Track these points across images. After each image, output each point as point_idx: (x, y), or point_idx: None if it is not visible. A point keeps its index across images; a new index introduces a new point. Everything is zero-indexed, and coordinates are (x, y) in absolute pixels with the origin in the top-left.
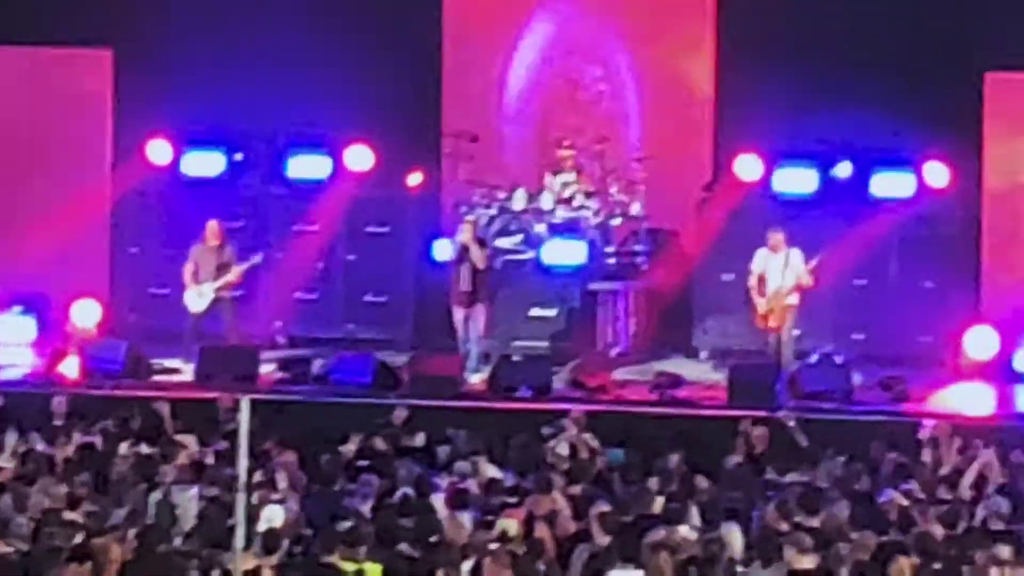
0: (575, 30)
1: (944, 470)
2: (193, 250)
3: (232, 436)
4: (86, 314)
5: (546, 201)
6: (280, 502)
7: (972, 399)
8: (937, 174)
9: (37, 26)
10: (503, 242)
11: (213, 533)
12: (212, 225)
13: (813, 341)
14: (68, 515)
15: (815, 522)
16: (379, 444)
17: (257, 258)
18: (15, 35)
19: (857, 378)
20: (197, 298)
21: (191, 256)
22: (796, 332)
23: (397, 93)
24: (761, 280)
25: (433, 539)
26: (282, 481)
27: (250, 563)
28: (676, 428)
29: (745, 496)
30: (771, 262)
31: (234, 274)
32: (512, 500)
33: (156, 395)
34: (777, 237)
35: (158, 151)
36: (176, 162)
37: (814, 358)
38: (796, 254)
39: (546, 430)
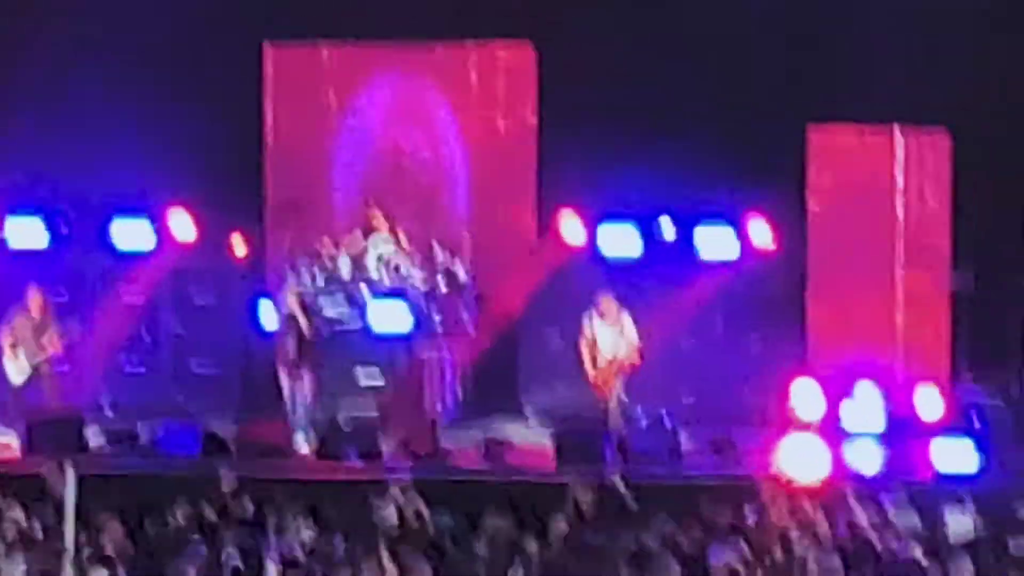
0: (399, 96)
1: (776, 529)
2: (13, 320)
3: (59, 507)
4: None
5: (371, 267)
6: (109, 573)
7: (803, 457)
8: (761, 231)
9: None
10: (329, 309)
11: None
12: (34, 295)
13: (642, 403)
14: None
15: None
16: (207, 513)
17: (76, 329)
18: None
19: (686, 439)
20: (16, 370)
21: (11, 327)
22: (624, 394)
23: (221, 161)
24: (593, 345)
25: None
26: (110, 551)
27: None
28: (504, 491)
29: (574, 559)
30: (603, 329)
31: (55, 346)
32: (342, 567)
33: None
34: (609, 303)
35: None
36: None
37: (643, 420)
38: (628, 320)
39: (375, 496)
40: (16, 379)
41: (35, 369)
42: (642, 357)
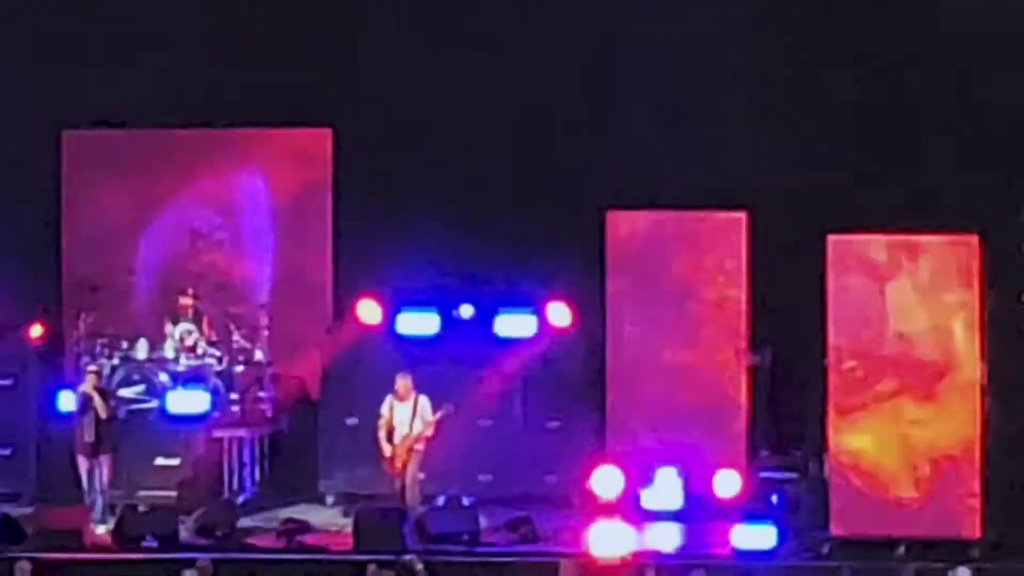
0: (198, 179)
1: None
2: None
3: None
4: None
5: (169, 350)
6: None
7: (606, 537)
8: (560, 313)
9: None
10: (126, 391)
11: None
12: None
13: (440, 483)
14: None
15: None
16: None
17: None
18: None
19: (484, 520)
20: None
21: None
22: (422, 475)
23: (16, 243)
24: (389, 427)
25: None
26: None
27: None
28: (303, 573)
29: None
30: (399, 409)
31: None
32: None
33: None
34: (405, 383)
35: None
36: None
37: (441, 500)
38: (424, 401)
39: None
40: None
41: None
42: (436, 435)
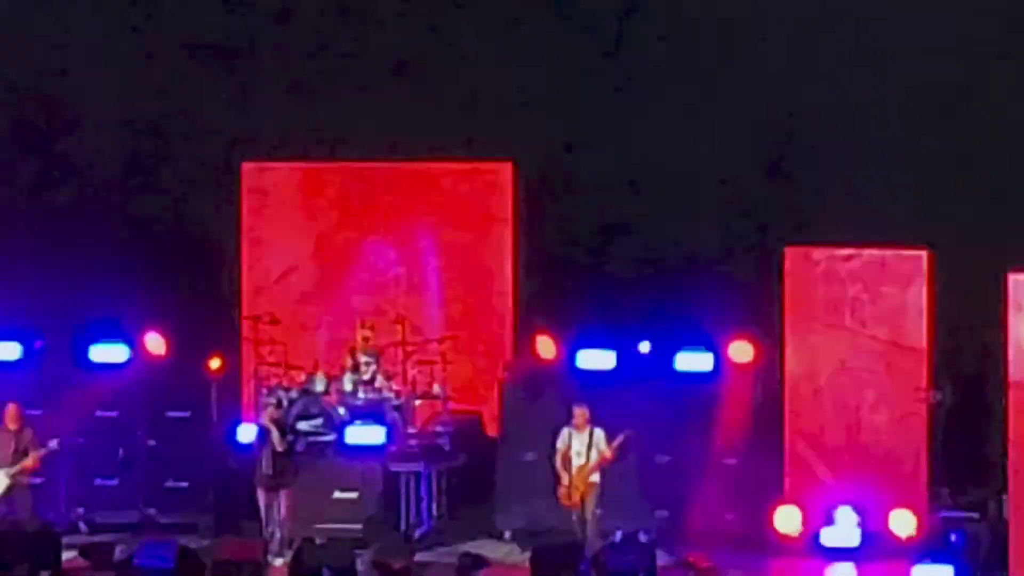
0: (376, 213)
1: None
2: None
3: None
4: None
5: (347, 383)
6: None
7: None
8: (740, 351)
9: None
10: (304, 425)
11: None
12: (11, 409)
13: (617, 520)
14: None
15: None
16: None
17: (54, 443)
18: None
19: (662, 557)
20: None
21: None
22: (599, 511)
23: (197, 278)
24: (566, 458)
25: None
26: None
27: None
28: None
29: None
30: (576, 439)
31: (31, 459)
32: None
33: None
34: (582, 413)
35: None
36: None
37: (618, 537)
38: (600, 433)
39: None
40: None
41: (12, 482)
42: (614, 463)
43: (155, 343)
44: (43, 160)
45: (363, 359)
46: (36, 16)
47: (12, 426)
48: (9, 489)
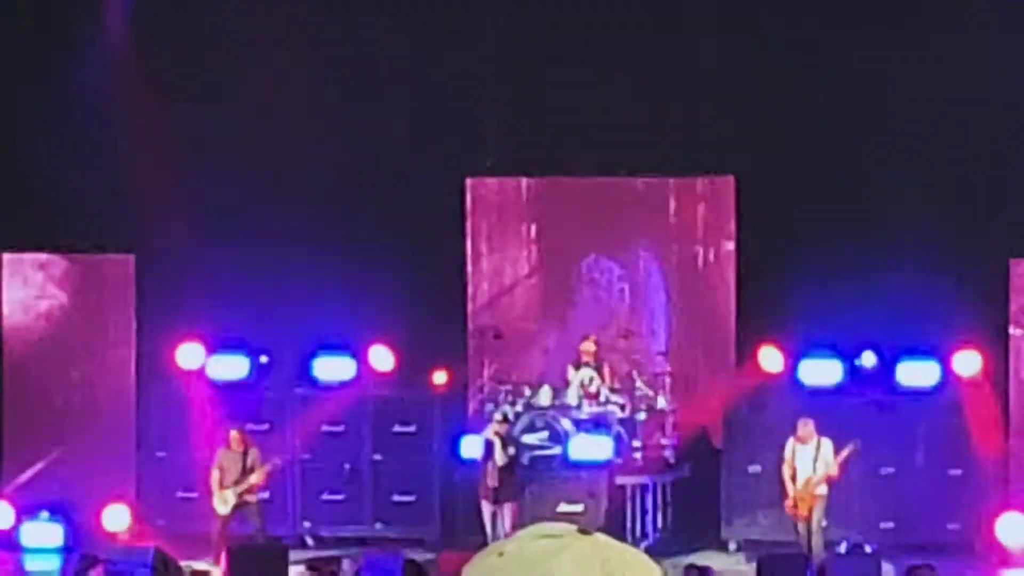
0: (597, 227)
1: None
2: (219, 455)
3: None
4: (114, 519)
5: (571, 397)
6: None
7: None
8: (965, 362)
9: (61, 232)
10: (529, 438)
11: None
12: (235, 435)
13: (842, 531)
14: None
15: None
16: None
17: (278, 460)
18: (40, 241)
19: (887, 568)
20: (222, 503)
21: (216, 461)
22: (824, 522)
23: (421, 292)
24: (792, 470)
25: None
26: None
27: None
28: None
29: None
30: (801, 452)
31: (257, 476)
32: None
33: None
34: (807, 427)
35: (186, 356)
36: (202, 366)
37: (843, 548)
38: (827, 444)
39: None
40: (222, 509)
41: (240, 500)
42: (841, 476)
43: (381, 357)
44: (266, 173)
45: (587, 373)
46: (268, 27)
47: (238, 448)
48: (238, 507)
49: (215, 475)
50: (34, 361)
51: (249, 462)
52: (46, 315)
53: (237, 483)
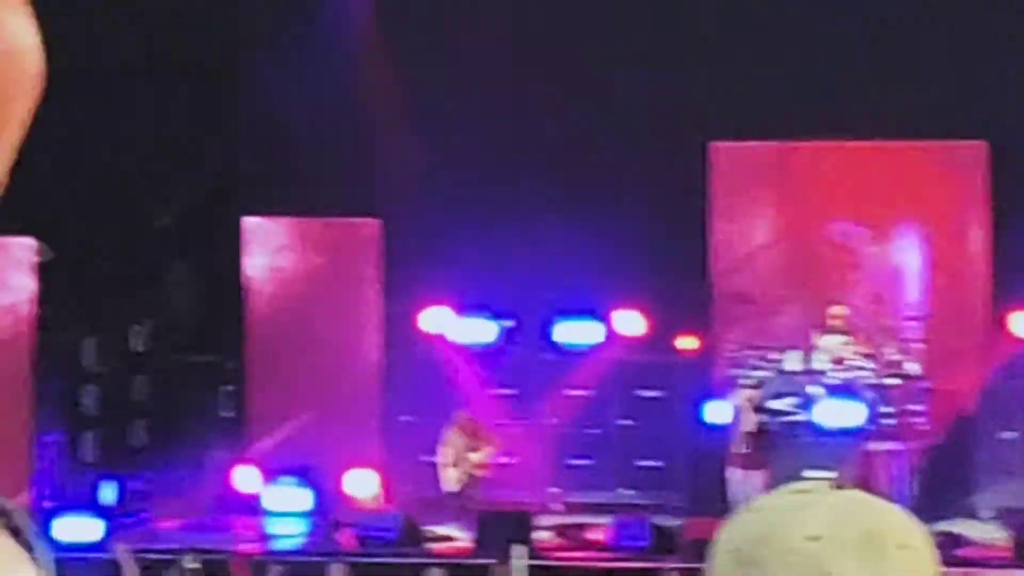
0: (847, 192)
1: None
2: (447, 434)
3: None
4: (361, 484)
5: (820, 362)
6: None
7: None
8: None
9: (306, 196)
10: (777, 404)
11: None
12: (465, 415)
13: None
14: None
15: None
16: None
17: (492, 450)
18: (286, 206)
19: None
20: (449, 481)
21: (445, 438)
22: None
23: (667, 257)
24: None
25: None
26: None
27: None
28: None
29: None
30: None
31: (479, 458)
32: None
33: (431, 562)
34: None
35: (432, 320)
36: (448, 330)
37: None
38: None
39: None
40: (452, 486)
41: (468, 477)
42: None
43: (629, 322)
44: (512, 138)
45: (837, 339)
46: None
47: (467, 429)
48: (467, 482)
49: (443, 452)
50: (280, 326)
51: (474, 443)
52: (291, 280)
53: (466, 461)
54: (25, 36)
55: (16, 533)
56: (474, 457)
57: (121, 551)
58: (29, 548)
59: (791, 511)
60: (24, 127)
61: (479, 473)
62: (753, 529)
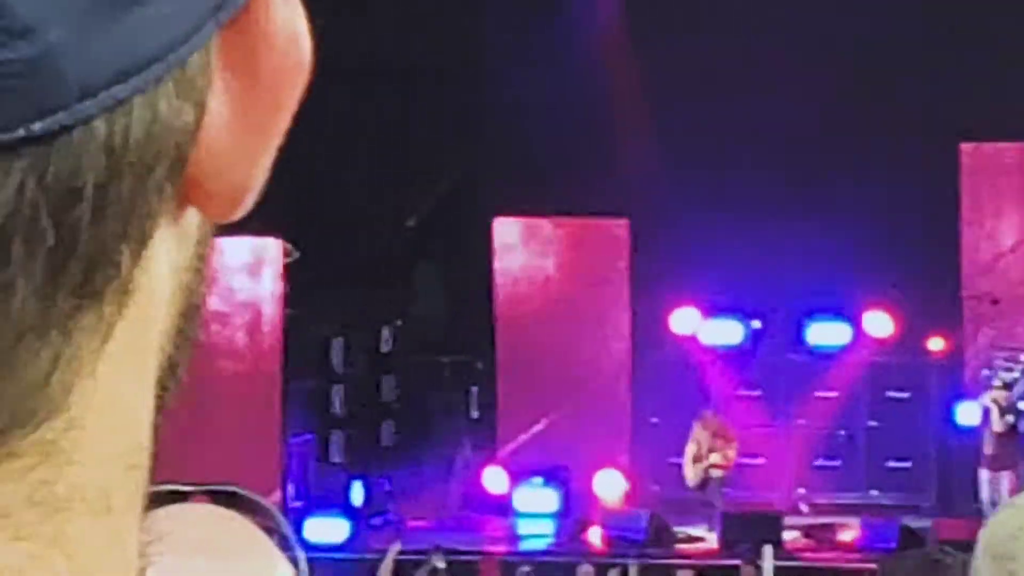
0: None
1: None
2: (695, 428)
3: None
4: (609, 484)
5: None
6: None
7: None
8: None
9: (555, 196)
10: None
11: None
12: (712, 415)
13: None
14: None
15: None
16: None
17: (732, 451)
18: (533, 206)
19: None
20: (693, 476)
21: (692, 435)
22: None
23: (916, 258)
24: None
25: None
26: None
27: None
28: None
29: None
30: None
31: (722, 459)
32: None
33: (680, 563)
34: None
35: (681, 321)
36: (697, 331)
37: None
38: None
39: None
40: (691, 482)
41: (707, 473)
42: None
43: (878, 323)
44: (756, 141)
45: None
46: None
47: (712, 425)
48: (705, 481)
49: (690, 448)
50: (528, 326)
51: (719, 443)
52: (541, 280)
53: (708, 456)
54: (297, 25)
55: (270, 532)
56: (714, 457)
57: (393, 551)
58: (284, 547)
59: None
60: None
61: (717, 473)
62: (1011, 524)
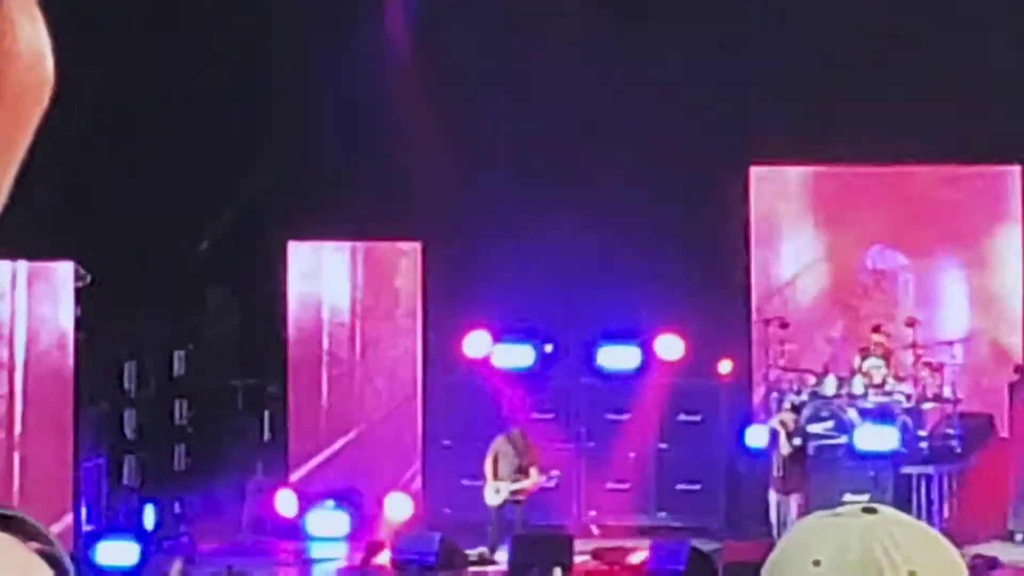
0: (881, 216)
1: None
2: (496, 444)
3: None
4: (399, 507)
5: (857, 386)
6: None
7: None
8: None
9: (347, 220)
10: (815, 428)
11: None
12: (517, 431)
13: None
14: None
15: None
16: None
17: (557, 473)
18: (325, 230)
19: None
20: (494, 493)
21: (493, 449)
22: None
23: (707, 282)
24: None
25: None
26: None
27: None
28: None
29: None
30: None
31: (531, 481)
32: None
33: None
34: None
35: (473, 344)
36: (488, 355)
37: None
38: None
39: None
40: (492, 500)
41: (508, 497)
42: None
43: (669, 346)
44: (550, 164)
45: (874, 363)
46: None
47: (517, 443)
48: (506, 501)
49: (489, 463)
50: (320, 350)
51: (525, 462)
52: (334, 304)
53: (511, 479)
54: (41, 43)
55: (52, 561)
56: (517, 484)
57: (176, 569)
58: (52, 560)
59: (808, 534)
60: (31, 137)
61: (521, 498)
62: (777, 553)
